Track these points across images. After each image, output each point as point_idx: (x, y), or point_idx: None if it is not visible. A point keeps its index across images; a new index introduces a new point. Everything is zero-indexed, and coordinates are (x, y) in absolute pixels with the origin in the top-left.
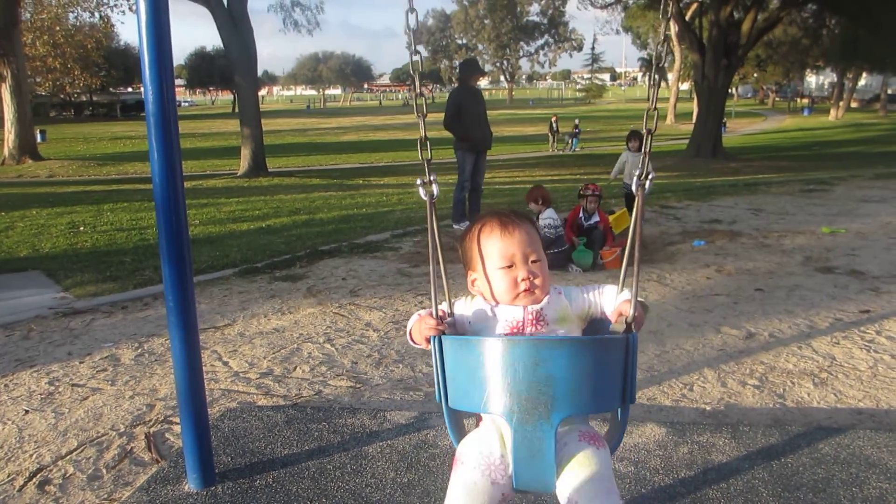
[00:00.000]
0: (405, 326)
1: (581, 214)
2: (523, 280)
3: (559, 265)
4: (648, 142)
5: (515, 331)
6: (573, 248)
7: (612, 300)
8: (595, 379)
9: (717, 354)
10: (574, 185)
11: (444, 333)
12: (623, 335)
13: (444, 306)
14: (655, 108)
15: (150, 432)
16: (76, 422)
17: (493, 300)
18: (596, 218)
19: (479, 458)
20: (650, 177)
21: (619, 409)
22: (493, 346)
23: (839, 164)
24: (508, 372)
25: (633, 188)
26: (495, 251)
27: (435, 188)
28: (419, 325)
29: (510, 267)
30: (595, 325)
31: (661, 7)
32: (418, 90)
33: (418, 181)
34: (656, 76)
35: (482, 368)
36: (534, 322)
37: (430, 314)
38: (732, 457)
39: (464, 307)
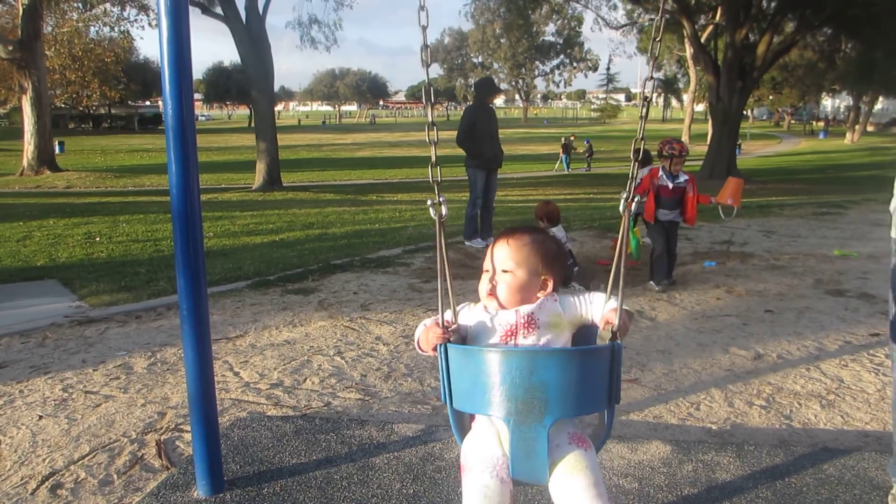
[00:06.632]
0: (415, 340)
1: (662, 174)
2: (487, 283)
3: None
4: (633, 168)
5: (510, 333)
6: (589, 274)
7: (600, 308)
8: (583, 385)
9: (725, 374)
10: (587, 205)
11: (449, 341)
12: (609, 343)
13: (448, 315)
14: (643, 139)
15: (161, 439)
16: (89, 428)
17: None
18: (684, 177)
19: (484, 460)
20: (636, 199)
21: (606, 410)
22: (493, 357)
23: (853, 187)
24: (507, 379)
25: (621, 208)
26: (486, 256)
27: (444, 209)
28: (426, 335)
29: (487, 271)
30: (584, 330)
31: (652, 34)
32: (430, 120)
33: (429, 201)
34: (644, 111)
35: (483, 376)
36: (526, 325)
37: (437, 323)
38: (737, 476)
39: (467, 314)
